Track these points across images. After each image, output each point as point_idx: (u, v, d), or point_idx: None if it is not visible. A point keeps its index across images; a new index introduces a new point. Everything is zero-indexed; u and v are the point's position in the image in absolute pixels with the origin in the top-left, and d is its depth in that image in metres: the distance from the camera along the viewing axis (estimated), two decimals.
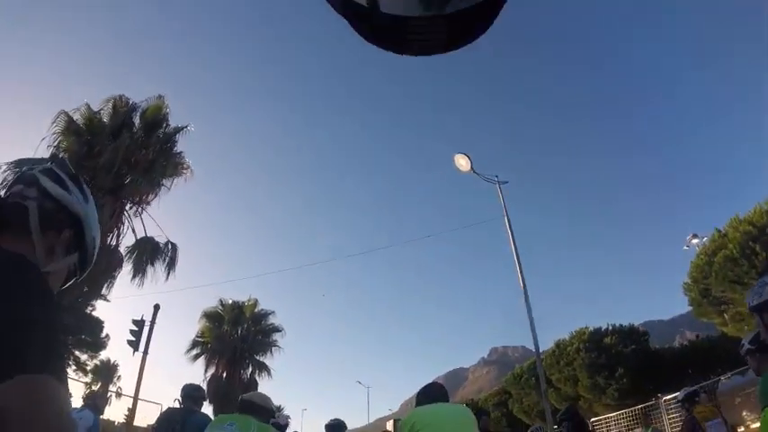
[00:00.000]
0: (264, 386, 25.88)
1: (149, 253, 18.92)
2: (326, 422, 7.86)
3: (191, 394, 5.95)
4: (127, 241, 19.23)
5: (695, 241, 37.40)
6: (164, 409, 17.99)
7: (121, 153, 17.12)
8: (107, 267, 17.29)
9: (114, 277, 18.09)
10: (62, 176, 1.28)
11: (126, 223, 18.83)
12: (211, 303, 27.50)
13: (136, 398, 16.40)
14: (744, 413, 20.71)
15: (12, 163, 15.12)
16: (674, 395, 17.79)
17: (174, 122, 19.93)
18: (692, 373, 22.11)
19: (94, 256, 1.33)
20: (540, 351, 31.13)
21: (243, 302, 26.88)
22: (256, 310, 26.76)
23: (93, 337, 34.56)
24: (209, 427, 4.14)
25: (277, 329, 27.07)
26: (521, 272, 14.10)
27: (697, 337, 26.65)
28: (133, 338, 17.09)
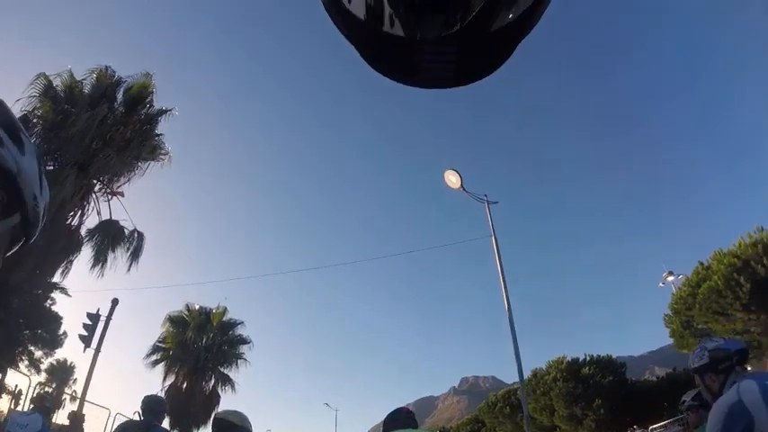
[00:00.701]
0: (227, 400, 24.49)
1: (112, 238, 17.45)
2: None
3: (152, 408, 5.47)
4: (90, 224, 17.82)
5: (671, 279, 37.72)
6: (112, 415, 16.71)
7: (96, 124, 15.83)
8: (63, 249, 15.89)
9: (71, 262, 16.78)
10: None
11: (92, 204, 17.50)
12: (177, 307, 26.29)
13: (83, 399, 15.10)
14: None
15: None
16: (655, 426, 17.37)
17: (159, 105, 18.70)
18: (669, 406, 21.74)
19: (42, 217, 1.10)
20: (516, 380, 30.90)
21: (211, 309, 25.59)
22: (224, 318, 25.50)
23: (49, 333, 32.92)
24: None
25: (245, 341, 25.67)
26: (506, 293, 13.72)
27: (674, 369, 26.22)
28: (85, 333, 15.64)
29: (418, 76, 1.20)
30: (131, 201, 18.54)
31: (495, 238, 14.49)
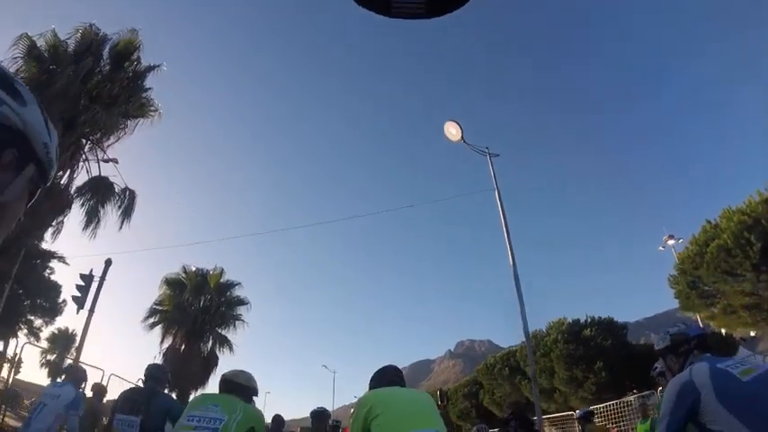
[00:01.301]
0: (225, 362, 24.38)
1: (102, 194, 16.91)
2: (312, 410, 7.82)
3: (155, 375, 5.61)
4: (80, 185, 17.18)
5: (671, 242, 37.40)
6: (106, 375, 16.42)
7: (80, 77, 15.15)
8: (51, 209, 15.23)
9: (62, 224, 16.23)
10: None
11: (81, 163, 16.83)
12: (172, 269, 25.91)
13: (77, 360, 14.77)
14: None
15: None
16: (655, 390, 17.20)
17: (148, 62, 17.90)
18: None
19: (56, 160, 1.09)
20: (512, 344, 30.71)
21: (208, 271, 25.18)
22: (222, 280, 25.10)
23: (49, 302, 32.68)
24: (188, 407, 3.77)
25: (242, 302, 25.40)
26: (510, 247, 13.22)
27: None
28: (79, 294, 15.15)
29: (393, 8, 1.34)
30: (122, 160, 17.84)
31: (499, 192, 14.00)
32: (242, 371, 4.15)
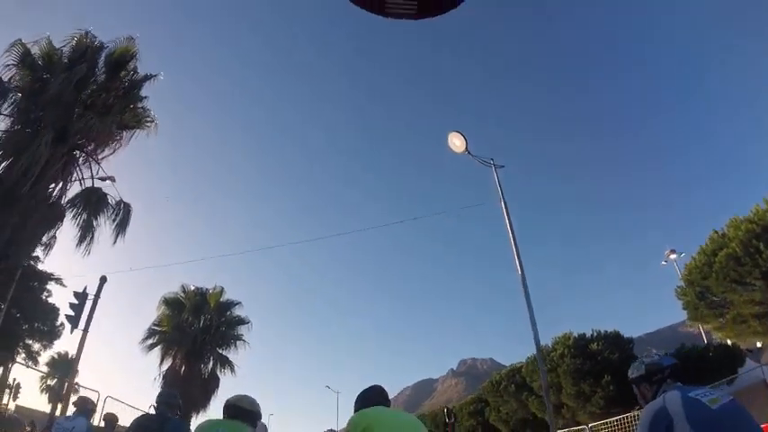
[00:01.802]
0: (227, 383, 23.93)
1: (95, 206, 16.46)
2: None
3: (168, 401, 5.73)
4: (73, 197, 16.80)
5: (673, 256, 37.23)
6: (102, 397, 16.02)
7: (74, 83, 14.79)
8: (41, 221, 14.85)
9: (54, 238, 15.84)
10: None
11: (74, 174, 16.46)
12: (170, 288, 25.59)
13: (71, 382, 14.36)
14: None
15: None
16: None
17: (144, 71, 17.62)
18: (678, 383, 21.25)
19: None
20: (514, 362, 30.27)
21: (207, 290, 24.82)
22: (222, 299, 24.75)
23: (47, 325, 32.21)
24: None
25: (243, 321, 25.01)
26: (518, 257, 13.04)
27: (682, 345, 25.72)
28: (72, 313, 14.73)
29: (386, 7, 1.51)
30: (116, 173, 17.50)
31: (505, 202, 13.80)
32: (245, 396, 4.23)
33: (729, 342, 21.39)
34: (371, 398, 3.50)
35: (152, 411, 5.92)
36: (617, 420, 19.09)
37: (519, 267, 12.79)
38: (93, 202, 16.35)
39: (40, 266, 22.08)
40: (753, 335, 17.91)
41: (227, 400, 4.20)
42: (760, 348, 28.79)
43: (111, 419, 9.35)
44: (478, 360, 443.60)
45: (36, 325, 32.03)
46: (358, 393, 3.60)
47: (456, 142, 14.82)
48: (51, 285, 29.80)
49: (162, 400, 5.69)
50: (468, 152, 14.57)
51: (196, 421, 23.89)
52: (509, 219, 13.65)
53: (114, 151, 17.06)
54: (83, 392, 15.93)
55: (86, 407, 7.23)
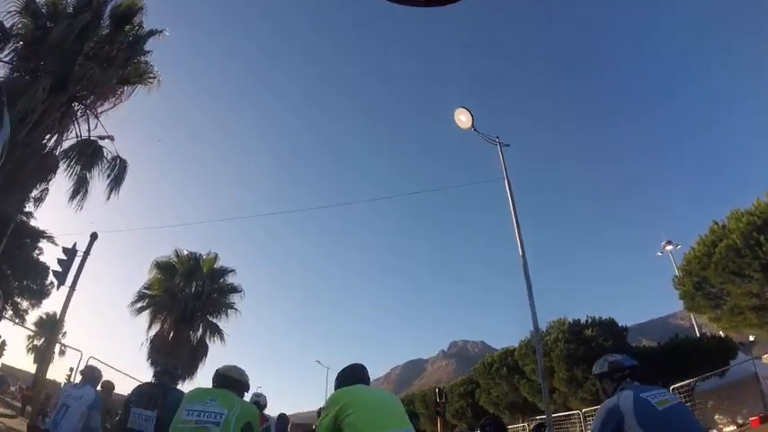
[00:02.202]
0: (216, 351, 23.56)
1: (90, 158, 15.79)
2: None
3: (169, 371, 5.89)
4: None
5: (669, 248, 37.07)
6: (84, 357, 15.69)
7: (76, 31, 14.24)
8: (35, 170, 14.25)
9: (47, 191, 15.27)
10: None
11: (72, 127, 15.85)
12: (164, 252, 25.25)
13: (54, 339, 14.00)
14: (716, 416, 19.77)
15: None
16: (681, 383, 16.77)
17: (150, 26, 17.17)
18: (671, 372, 21.08)
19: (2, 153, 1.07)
20: (506, 345, 30.07)
21: (201, 255, 24.34)
22: (215, 265, 24.32)
23: (37, 284, 31.81)
24: (186, 401, 3.88)
25: (236, 290, 24.52)
26: (520, 238, 12.77)
27: (676, 336, 25.54)
28: (60, 269, 14.24)
29: None
30: (115, 129, 16.88)
31: (509, 180, 13.57)
32: (235, 366, 4.34)
33: (722, 334, 21.27)
34: (351, 376, 3.55)
35: (151, 381, 6.12)
36: None
37: (520, 246, 12.59)
38: (88, 155, 15.70)
39: (33, 223, 21.58)
40: (749, 327, 17.86)
41: (218, 370, 4.31)
42: (752, 342, 28.71)
43: (107, 386, 9.33)
44: (470, 342, 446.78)
45: (26, 283, 31.64)
46: (339, 371, 3.66)
47: (462, 118, 14.57)
48: (43, 243, 29.38)
49: (164, 369, 5.84)
50: (474, 129, 14.32)
51: (183, 389, 23.61)
52: (512, 197, 13.48)
53: (114, 106, 16.56)
54: (66, 352, 15.61)
55: (93, 375, 7.38)
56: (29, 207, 17.34)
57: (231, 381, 4.18)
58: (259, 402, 8.14)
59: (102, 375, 7.80)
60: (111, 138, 16.62)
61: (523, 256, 12.25)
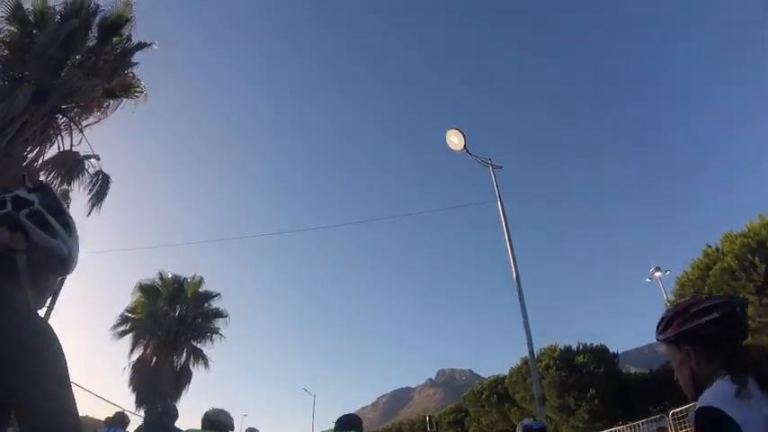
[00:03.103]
0: (200, 378, 22.89)
1: (69, 171, 14.95)
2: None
3: (171, 413, 6.72)
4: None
5: (658, 274, 37.00)
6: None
7: (62, 37, 13.78)
8: (14, 182, 13.29)
9: None
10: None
11: (54, 140, 15.23)
12: (148, 274, 24.70)
13: None
14: None
15: None
16: (680, 408, 16.51)
17: (139, 39, 16.66)
18: (664, 399, 20.84)
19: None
20: (493, 373, 29.61)
21: (185, 279, 23.77)
22: (200, 289, 23.72)
23: None
24: None
25: (221, 314, 23.75)
26: (514, 261, 12.54)
27: (668, 362, 25.34)
28: None
29: None
30: (99, 145, 16.36)
31: (502, 203, 13.38)
32: (222, 410, 4.93)
33: None
34: (347, 423, 4.14)
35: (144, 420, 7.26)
36: None
37: (514, 269, 12.34)
38: (68, 168, 14.92)
39: None
40: None
41: (207, 413, 4.82)
42: None
43: (123, 420, 9.48)
44: (457, 371, 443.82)
45: None
46: (338, 418, 4.19)
47: (454, 140, 14.40)
48: None
49: (165, 410, 6.83)
50: (467, 150, 14.14)
51: None
52: (505, 220, 13.25)
53: (99, 120, 15.95)
54: None
55: (124, 420, 8.23)
56: None
57: (219, 424, 4.71)
58: None
59: (129, 420, 8.57)
60: (96, 157, 16.18)
61: (517, 279, 11.97)
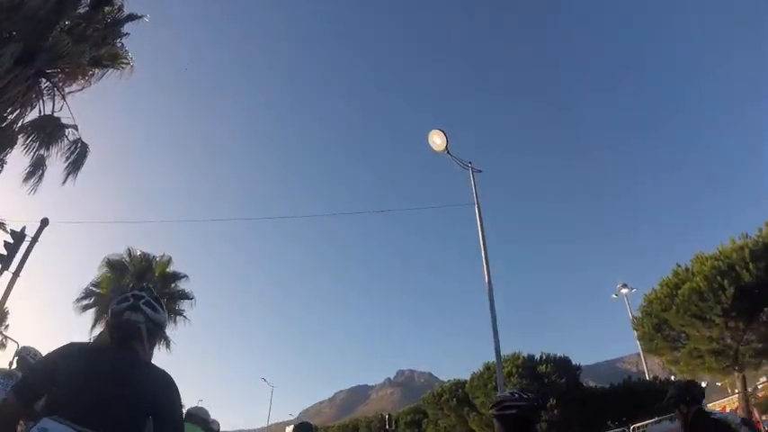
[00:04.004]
0: (161, 358, 22.44)
1: (48, 136, 14.46)
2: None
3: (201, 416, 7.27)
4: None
5: (624, 291, 37.71)
6: (19, 347, 14.65)
7: (54, 1, 12.84)
8: None
9: (3, 163, 13.91)
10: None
11: (36, 105, 14.61)
12: (117, 249, 24.06)
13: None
14: None
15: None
16: (640, 424, 16.82)
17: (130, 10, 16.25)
18: (625, 413, 21.20)
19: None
20: (452, 377, 29.74)
21: (154, 257, 23.28)
22: (168, 269, 23.32)
23: None
24: None
25: (187, 296, 23.47)
26: (487, 264, 12.57)
27: (629, 378, 25.75)
28: (5, 253, 13.23)
29: None
30: (80, 112, 15.85)
31: (479, 206, 13.43)
32: (202, 407, 5.97)
33: (673, 377, 21.51)
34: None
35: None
36: None
37: (486, 273, 12.33)
38: (47, 132, 14.51)
39: None
40: (707, 371, 17.95)
41: (189, 410, 5.63)
42: (705, 387, 29.20)
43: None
44: (416, 372, 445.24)
45: None
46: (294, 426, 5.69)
47: (436, 140, 14.31)
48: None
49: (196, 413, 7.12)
50: (448, 152, 14.08)
51: None
52: (481, 224, 13.27)
53: (83, 88, 15.41)
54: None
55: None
56: None
57: (200, 419, 5.49)
58: (212, 428, 8.85)
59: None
60: (74, 127, 15.70)
61: (489, 282, 12.01)
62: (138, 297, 2.36)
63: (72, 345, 2.32)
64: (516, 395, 3.09)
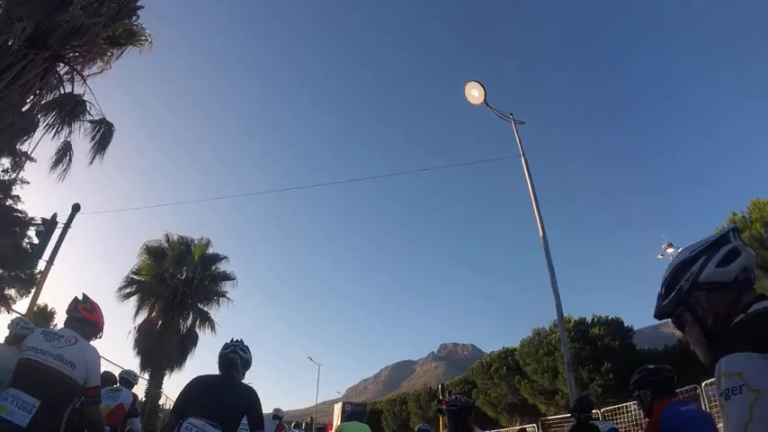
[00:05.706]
0: (205, 341, 22.50)
1: (70, 113, 13.65)
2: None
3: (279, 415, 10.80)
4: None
5: (670, 251, 36.14)
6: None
7: None
8: (10, 128, 12.51)
9: (26, 155, 13.66)
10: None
11: (56, 91, 14.18)
12: (153, 234, 24.17)
13: (31, 311, 12.53)
14: (719, 425, 18.95)
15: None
16: (706, 382, 16.03)
17: None
18: (682, 373, 20.25)
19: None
20: (494, 349, 29.03)
21: (192, 240, 23.13)
22: (207, 251, 23.25)
23: (26, 273, 30.53)
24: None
25: (228, 278, 23.58)
26: (540, 218, 11.80)
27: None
28: (36, 241, 13.01)
29: None
30: (102, 95, 15.57)
31: (525, 159, 12.64)
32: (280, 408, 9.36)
33: None
34: (356, 415, 7.93)
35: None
36: (612, 410, 17.96)
37: (540, 228, 11.65)
38: (68, 109, 13.72)
39: (21, 206, 20.22)
40: None
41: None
42: None
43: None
44: (459, 345, 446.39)
45: (14, 273, 30.31)
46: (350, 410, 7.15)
47: (474, 93, 13.58)
48: (32, 232, 28.01)
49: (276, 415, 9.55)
50: (487, 104, 13.35)
51: (169, 379, 22.56)
52: (530, 177, 12.56)
53: (102, 71, 15.02)
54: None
55: (128, 379, 8.25)
56: (16, 191, 16.07)
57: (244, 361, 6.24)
58: (277, 415, 11.31)
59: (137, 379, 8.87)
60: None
61: (544, 237, 11.32)
62: (235, 344, 3.91)
63: (198, 377, 3.82)
64: (459, 399, 4.98)
